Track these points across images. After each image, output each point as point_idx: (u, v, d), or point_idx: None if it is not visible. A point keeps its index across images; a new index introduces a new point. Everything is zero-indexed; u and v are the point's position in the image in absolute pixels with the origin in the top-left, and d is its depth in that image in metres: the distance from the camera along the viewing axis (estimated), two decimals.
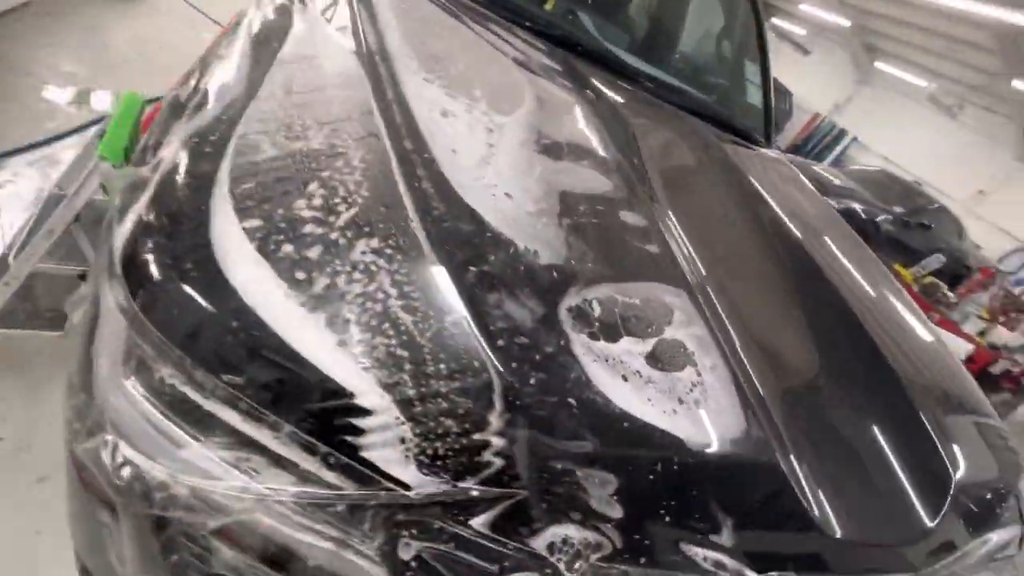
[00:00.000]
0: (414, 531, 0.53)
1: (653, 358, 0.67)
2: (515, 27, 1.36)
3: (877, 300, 1.25)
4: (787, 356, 0.89)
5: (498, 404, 0.54)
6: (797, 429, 0.70)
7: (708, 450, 0.62)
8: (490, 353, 0.57)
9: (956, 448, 0.88)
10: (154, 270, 0.56)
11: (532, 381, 0.57)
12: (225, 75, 0.83)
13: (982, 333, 3.67)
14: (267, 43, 0.91)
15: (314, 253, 0.59)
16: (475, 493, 0.52)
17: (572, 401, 0.57)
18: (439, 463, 0.52)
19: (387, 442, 0.52)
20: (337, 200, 0.64)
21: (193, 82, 0.86)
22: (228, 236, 0.58)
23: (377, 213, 0.65)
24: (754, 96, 1.96)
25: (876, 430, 0.83)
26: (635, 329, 0.69)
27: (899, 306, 1.29)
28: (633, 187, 1.00)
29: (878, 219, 4.82)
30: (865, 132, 11.48)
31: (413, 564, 0.53)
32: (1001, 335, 3.64)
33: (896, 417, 0.88)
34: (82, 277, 1.29)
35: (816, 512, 0.64)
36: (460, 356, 0.56)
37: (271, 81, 0.80)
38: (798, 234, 1.24)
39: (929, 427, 0.88)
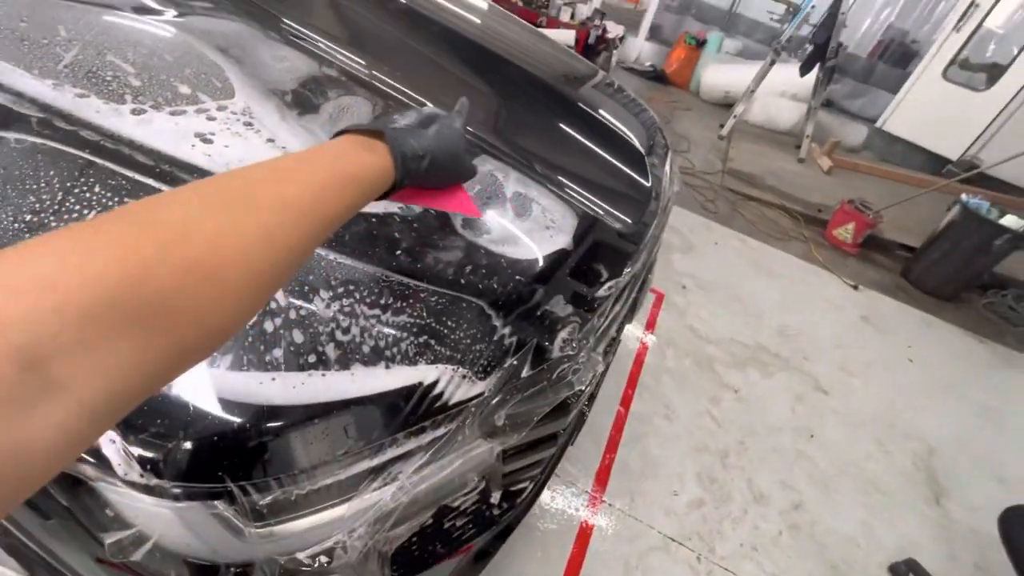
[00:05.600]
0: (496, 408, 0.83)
1: (515, 214, 0.96)
2: None
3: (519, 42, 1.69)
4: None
5: (492, 312, 0.80)
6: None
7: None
8: (464, 294, 0.79)
9: (629, 129, 1.45)
10: None
11: (494, 284, 0.83)
12: None
13: (572, 16, 4.76)
14: None
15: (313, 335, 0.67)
16: (514, 362, 0.82)
17: (518, 277, 0.86)
18: (487, 368, 0.79)
19: (458, 385, 0.76)
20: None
21: None
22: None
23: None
24: None
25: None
26: (492, 207, 0.96)
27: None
28: (376, 90, 1.10)
29: None
30: None
31: (505, 424, 0.84)
32: (581, 11, 4.79)
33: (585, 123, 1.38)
34: None
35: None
36: (453, 311, 0.77)
37: None
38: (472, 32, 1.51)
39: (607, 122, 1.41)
